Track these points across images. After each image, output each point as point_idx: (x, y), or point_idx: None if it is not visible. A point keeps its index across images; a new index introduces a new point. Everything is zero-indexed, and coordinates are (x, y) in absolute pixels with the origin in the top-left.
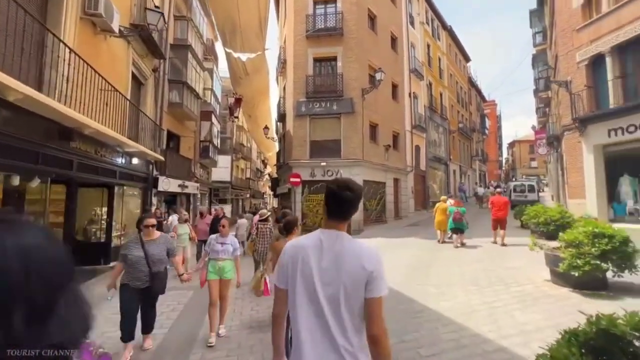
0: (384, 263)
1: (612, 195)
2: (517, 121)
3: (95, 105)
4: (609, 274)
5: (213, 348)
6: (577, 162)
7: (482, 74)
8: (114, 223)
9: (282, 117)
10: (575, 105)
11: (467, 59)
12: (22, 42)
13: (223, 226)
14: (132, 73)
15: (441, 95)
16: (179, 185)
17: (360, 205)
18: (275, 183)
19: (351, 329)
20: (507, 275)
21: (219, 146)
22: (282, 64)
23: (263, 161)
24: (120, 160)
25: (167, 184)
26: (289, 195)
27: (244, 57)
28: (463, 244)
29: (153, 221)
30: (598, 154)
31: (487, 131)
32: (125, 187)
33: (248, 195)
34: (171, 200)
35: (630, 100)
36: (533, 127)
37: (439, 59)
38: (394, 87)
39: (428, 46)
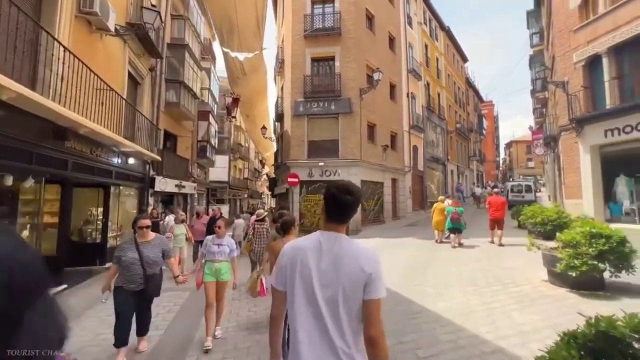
0: (382, 263)
1: (609, 195)
2: (515, 121)
3: (90, 104)
4: (606, 274)
5: (209, 350)
6: (574, 162)
7: (480, 74)
8: (109, 223)
9: (279, 117)
10: (572, 105)
11: (464, 59)
12: (15, 40)
13: (219, 227)
14: (129, 72)
15: (439, 95)
16: (176, 186)
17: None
18: (273, 183)
19: (349, 330)
20: (505, 276)
21: (216, 146)
22: (280, 63)
23: (261, 161)
24: (116, 160)
25: (164, 184)
26: (286, 196)
27: (241, 56)
28: (461, 244)
29: (147, 222)
30: (595, 154)
31: (484, 131)
32: (121, 187)
33: (246, 196)
34: (168, 201)
35: (627, 100)
36: (530, 128)
37: (437, 60)
38: (392, 87)
39: (426, 46)
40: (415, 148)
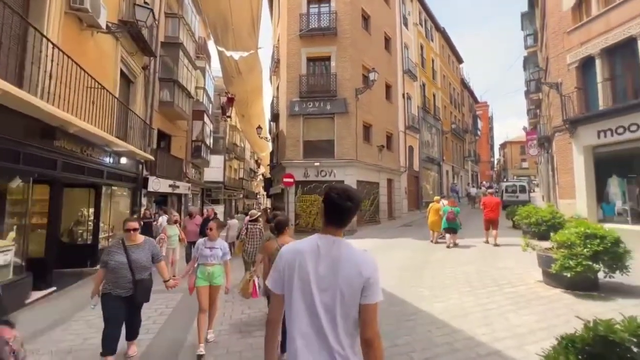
0: (377, 265)
1: (602, 195)
2: (509, 122)
3: (81, 103)
4: (600, 275)
5: (202, 356)
6: (568, 162)
7: (475, 75)
8: (101, 224)
9: (275, 117)
10: (566, 106)
11: (459, 60)
12: (0, 35)
13: (210, 229)
14: (121, 71)
15: (434, 96)
16: (170, 186)
17: None
18: (268, 183)
19: (345, 334)
20: (500, 276)
21: (211, 146)
22: (276, 63)
23: (256, 161)
24: (108, 160)
25: (158, 184)
26: (282, 196)
27: (236, 55)
28: (456, 244)
29: (134, 225)
30: (588, 155)
31: (479, 132)
32: (113, 188)
33: (241, 196)
34: (162, 201)
35: (619, 102)
36: (524, 129)
37: (432, 60)
38: (388, 87)
39: (421, 47)
40: (410, 148)
